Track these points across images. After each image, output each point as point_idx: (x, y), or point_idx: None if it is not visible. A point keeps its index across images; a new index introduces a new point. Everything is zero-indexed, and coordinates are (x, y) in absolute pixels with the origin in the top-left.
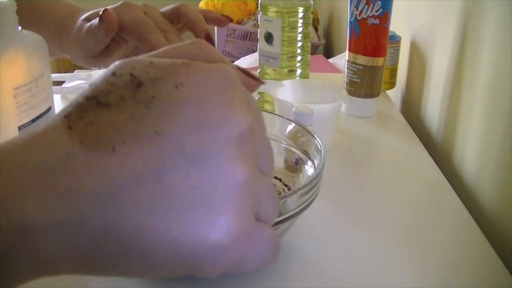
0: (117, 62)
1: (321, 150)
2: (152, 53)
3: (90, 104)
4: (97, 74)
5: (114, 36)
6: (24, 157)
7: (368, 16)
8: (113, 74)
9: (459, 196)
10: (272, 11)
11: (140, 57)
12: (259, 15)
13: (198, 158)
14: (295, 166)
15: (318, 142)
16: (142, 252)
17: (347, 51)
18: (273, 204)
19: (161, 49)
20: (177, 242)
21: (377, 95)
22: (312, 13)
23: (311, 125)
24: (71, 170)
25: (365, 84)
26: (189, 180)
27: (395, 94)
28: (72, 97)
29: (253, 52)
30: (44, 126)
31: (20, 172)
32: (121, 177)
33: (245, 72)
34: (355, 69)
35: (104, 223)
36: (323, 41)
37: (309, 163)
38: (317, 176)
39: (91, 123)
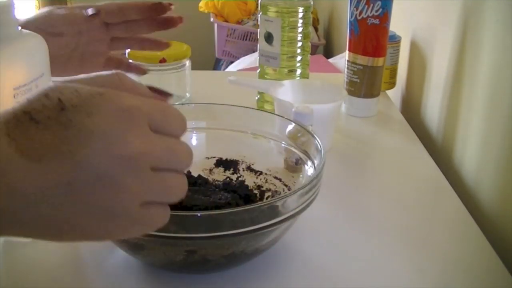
0: (51, 85)
1: (321, 150)
2: (81, 78)
3: (25, 117)
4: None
5: None
6: None
7: (368, 16)
8: (46, 95)
9: (459, 196)
10: (272, 11)
11: (70, 84)
12: (259, 15)
13: (103, 177)
14: (295, 166)
15: (318, 142)
16: (72, 227)
17: (347, 51)
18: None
19: (89, 76)
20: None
21: (377, 95)
22: (312, 13)
23: (311, 125)
24: (9, 171)
25: (365, 84)
26: (94, 195)
27: (395, 94)
28: None
29: (253, 52)
30: None
31: None
32: (44, 182)
33: (157, 91)
34: (355, 69)
35: (37, 213)
36: (323, 41)
37: (309, 163)
38: (317, 176)
39: (25, 134)
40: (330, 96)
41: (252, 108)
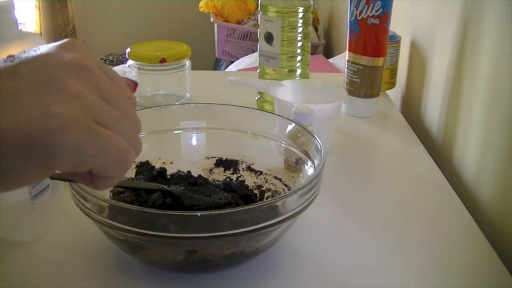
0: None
1: (321, 150)
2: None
3: None
4: None
5: None
6: None
7: (368, 16)
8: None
9: (459, 196)
10: (272, 11)
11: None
12: (259, 15)
13: (44, 79)
14: (295, 166)
15: (318, 142)
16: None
17: (347, 51)
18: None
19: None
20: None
21: (377, 95)
22: (312, 13)
23: (311, 125)
24: None
25: (365, 84)
26: (40, 95)
27: (395, 94)
28: None
29: (253, 52)
30: None
31: None
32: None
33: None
34: (355, 69)
35: None
36: (323, 41)
37: (309, 163)
38: (317, 176)
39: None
40: (330, 96)
41: (252, 108)
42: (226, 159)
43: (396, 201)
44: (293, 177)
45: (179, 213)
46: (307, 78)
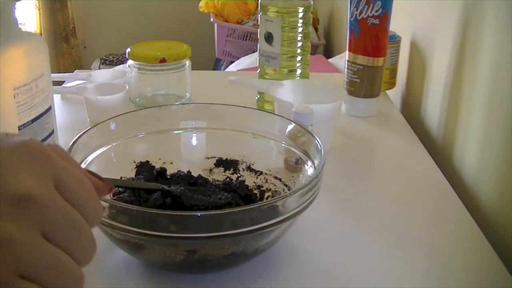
0: None
1: (321, 150)
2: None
3: None
4: (96, 73)
5: None
6: None
7: (368, 16)
8: None
9: (459, 196)
10: (272, 11)
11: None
12: (259, 15)
13: None
14: (295, 166)
15: (318, 142)
16: None
17: (347, 51)
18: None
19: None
20: None
21: (377, 95)
22: (312, 13)
23: (311, 125)
24: None
25: (365, 84)
26: None
27: (395, 94)
28: (72, 97)
29: (253, 52)
30: None
31: None
32: None
33: (96, 176)
34: (355, 69)
35: None
36: (323, 41)
37: (309, 163)
38: (317, 176)
39: None
40: (330, 96)
41: (252, 108)
42: (226, 159)
43: (396, 201)
44: (293, 177)
45: (179, 213)
46: (307, 78)
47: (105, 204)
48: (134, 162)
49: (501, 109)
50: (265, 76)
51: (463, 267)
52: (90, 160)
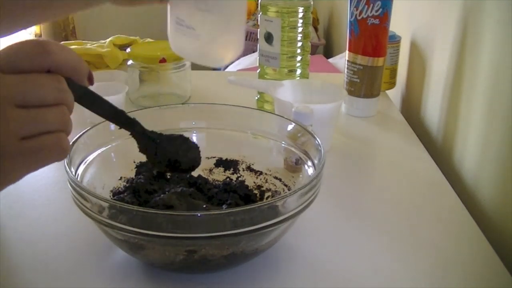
0: None
1: (321, 150)
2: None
3: None
4: (96, 74)
5: None
6: None
7: (368, 16)
8: None
9: (459, 196)
10: (272, 11)
11: None
12: (259, 15)
13: None
14: (295, 166)
15: (318, 142)
16: None
17: (347, 51)
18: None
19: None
20: None
21: (377, 95)
22: (312, 13)
23: (311, 125)
24: None
25: (365, 84)
26: None
27: (395, 94)
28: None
29: (253, 52)
30: None
31: None
32: None
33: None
34: (355, 69)
35: None
36: (323, 41)
37: (309, 163)
38: (317, 176)
39: None
40: (330, 96)
41: (252, 108)
42: (226, 159)
43: (396, 201)
44: (293, 177)
45: (179, 213)
46: (307, 78)
47: (105, 204)
48: (134, 162)
49: (501, 109)
50: (265, 76)
51: (463, 267)
52: (90, 160)
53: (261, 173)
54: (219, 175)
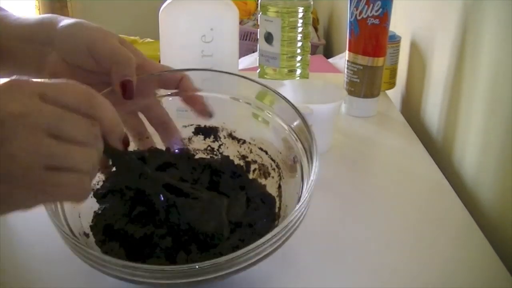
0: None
1: (314, 154)
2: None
3: None
4: None
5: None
6: None
7: (368, 16)
8: None
9: (459, 196)
10: (272, 11)
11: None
12: (259, 15)
13: None
14: (293, 164)
15: (299, 113)
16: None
17: (347, 51)
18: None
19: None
20: None
21: (377, 95)
22: (312, 13)
23: (311, 125)
24: None
25: (365, 84)
26: None
27: (395, 94)
28: None
29: (253, 52)
30: None
31: None
32: None
33: None
34: (355, 69)
35: None
36: (323, 41)
37: (305, 160)
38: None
39: None
40: (330, 96)
41: (227, 73)
42: (205, 126)
43: (396, 201)
44: (280, 153)
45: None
46: (307, 78)
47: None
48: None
49: (501, 109)
50: (265, 76)
51: (463, 267)
52: None
53: (244, 141)
54: (199, 144)
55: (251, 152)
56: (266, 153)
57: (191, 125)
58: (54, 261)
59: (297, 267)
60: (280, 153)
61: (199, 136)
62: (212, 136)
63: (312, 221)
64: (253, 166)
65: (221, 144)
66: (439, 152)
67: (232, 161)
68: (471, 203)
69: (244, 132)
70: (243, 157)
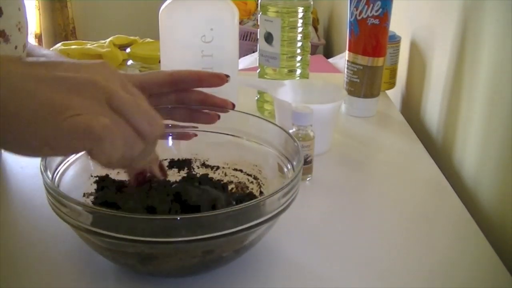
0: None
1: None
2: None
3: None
4: None
5: None
6: None
7: (368, 16)
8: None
9: (459, 196)
10: (272, 11)
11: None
12: (259, 15)
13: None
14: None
15: (295, 141)
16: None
17: (347, 51)
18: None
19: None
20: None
21: (377, 95)
22: (312, 13)
23: (311, 125)
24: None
25: (365, 84)
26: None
27: (395, 94)
28: None
29: (253, 52)
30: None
31: None
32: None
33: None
34: (355, 69)
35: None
36: (323, 41)
37: (288, 165)
38: (295, 178)
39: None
40: (330, 96)
41: (199, 106)
42: (179, 159)
43: (396, 201)
44: (256, 166)
45: (156, 216)
46: (307, 78)
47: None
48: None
49: (501, 109)
50: (265, 76)
51: (463, 267)
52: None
53: (218, 167)
54: (175, 177)
55: (225, 175)
56: (241, 171)
57: (165, 159)
58: (54, 261)
59: (297, 266)
60: (256, 166)
61: (173, 169)
62: (185, 168)
63: (312, 221)
64: (230, 186)
65: (196, 174)
66: (439, 152)
67: (212, 178)
68: (471, 203)
69: (217, 159)
70: (219, 181)
